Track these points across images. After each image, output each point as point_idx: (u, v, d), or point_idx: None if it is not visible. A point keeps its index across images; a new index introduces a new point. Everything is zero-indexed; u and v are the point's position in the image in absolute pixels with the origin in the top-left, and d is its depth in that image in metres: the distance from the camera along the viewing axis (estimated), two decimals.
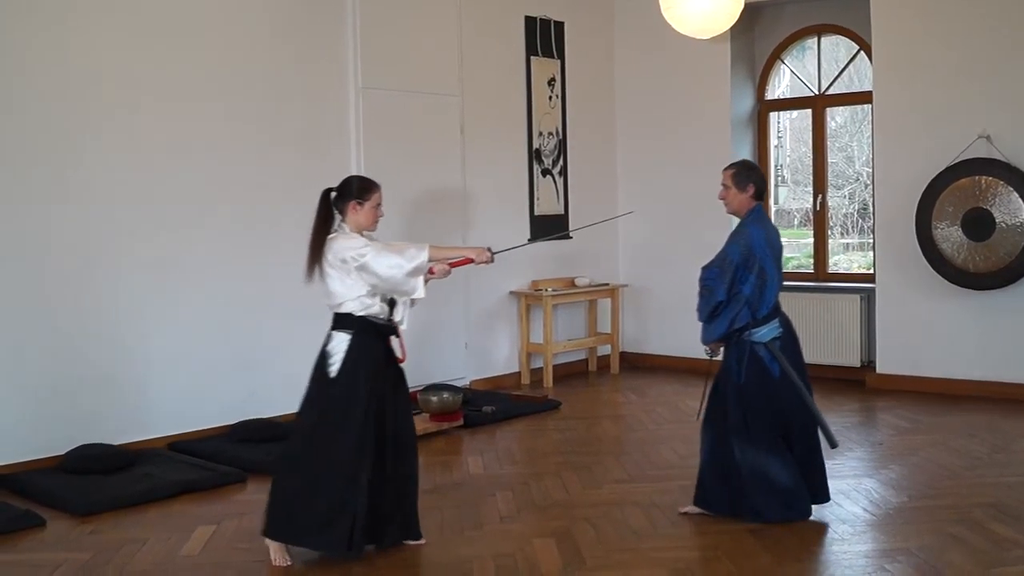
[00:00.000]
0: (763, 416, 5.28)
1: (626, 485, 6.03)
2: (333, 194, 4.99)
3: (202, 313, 7.26)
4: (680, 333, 10.04)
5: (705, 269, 5.43)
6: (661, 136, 10.14)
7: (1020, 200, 7.95)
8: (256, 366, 7.53)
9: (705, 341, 5.46)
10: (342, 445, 4.77)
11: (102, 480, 6.07)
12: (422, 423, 7.38)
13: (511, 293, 9.33)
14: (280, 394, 7.62)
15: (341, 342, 4.82)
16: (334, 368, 4.81)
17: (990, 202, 8.09)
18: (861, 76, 9.55)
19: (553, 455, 6.81)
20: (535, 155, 9.59)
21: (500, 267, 9.10)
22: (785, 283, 9.53)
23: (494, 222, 9.16)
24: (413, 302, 5.03)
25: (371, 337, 4.87)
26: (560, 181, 9.81)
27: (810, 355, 9.18)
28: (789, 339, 5.42)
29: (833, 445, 5.38)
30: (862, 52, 9.33)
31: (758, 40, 9.94)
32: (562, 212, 9.80)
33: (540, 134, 9.63)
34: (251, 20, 7.55)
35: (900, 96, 8.62)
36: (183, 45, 7.16)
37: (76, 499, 5.73)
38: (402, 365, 5.03)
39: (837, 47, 9.76)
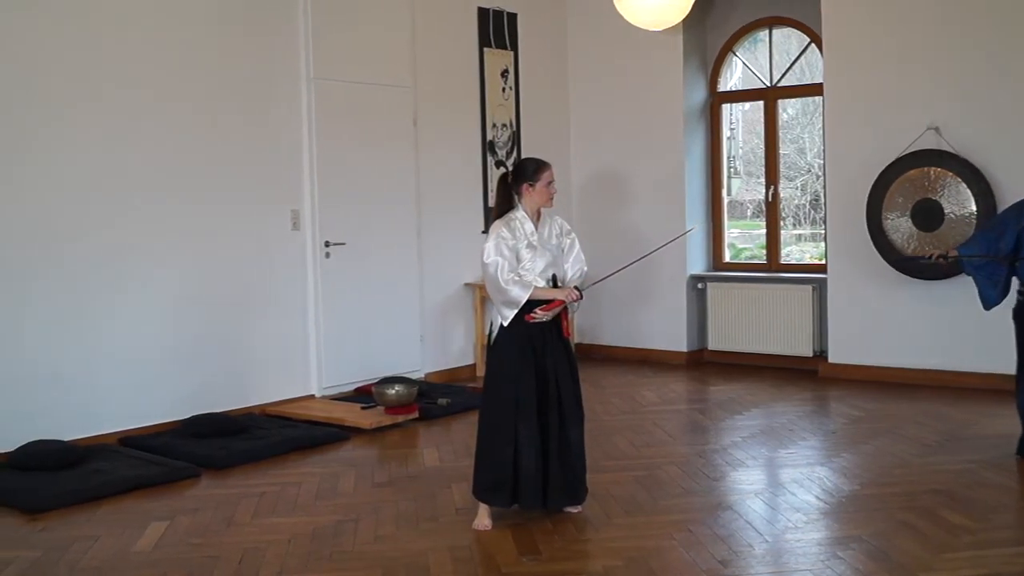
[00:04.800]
0: None
1: None
2: (509, 177, 5.34)
3: (152, 306, 7.18)
4: (634, 324, 10.09)
5: None
6: (615, 128, 10.17)
7: (968, 191, 8.04)
8: (208, 360, 7.46)
9: None
10: (500, 408, 5.15)
11: (52, 476, 5.99)
12: (377, 416, 7.36)
13: (466, 285, 9.31)
14: (232, 388, 7.59)
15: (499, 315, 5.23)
16: (492, 337, 5.28)
17: (939, 193, 8.18)
18: (812, 68, 9.61)
19: None
20: (489, 147, 9.58)
21: (454, 258, 9.12)
22: (738, 274, 9.73)
23: (448, 215, 9.15)
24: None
25: (526, 310, 5.13)
26: None
27: (763, 345, 9.39)
28: None
29: None
30: (813, 44, 9.40)
31: (710, 32, 9.99)
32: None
33: (494, 126, 9.62)
34: (203, 9, 7.47)
35: (850, 88, 8.69)
36: (135, 34, 7.08)
37: (26, 496, 5.65)
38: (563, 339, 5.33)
39: (788, 39, 9.82)
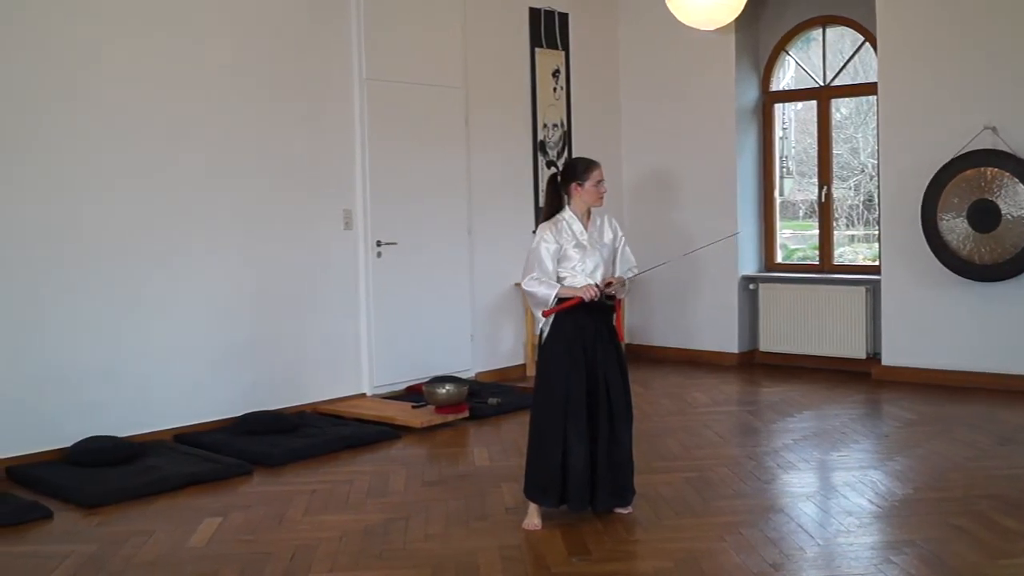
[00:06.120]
0: None
1: None
2: (559, 177, 5.34)
3: (206, 304, 7.26)
4: (685, 325, 10.06)
5: None
6: (666, 127, 10.14)
7: None
8: (261, 358, 7.53)
9: None
10: (549, 408, 5.15)
11: (108, 472, 6.09)
12: (428, 415, 7.39)
13: (516, 285, 9.32)
14: (284, 386, 7.66)
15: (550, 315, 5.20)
16: (543, 337, 5.22)
17: (996, 193, 8.07)
18: (866, 67, 9.52)
19: None
20: (540, 147, 9.59)
21: (504, 258, 9.12)
22: (790, 275, 9.66)
23: (498, 214, 9.17)
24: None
25: (574, 310, 5.12)
26: None
27: (815, 347, 9.32)
28: None
29: None
30: (867, 43, 9.31)
31: (763, 31, 9.93)
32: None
33: (545, 126, 9.62)
34: (256, 10, 7.54)
35: (905, 87, 8.60)
36: (188, 34, 7.16)
37: (83, 491, 5.74)
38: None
39: (842, 38, 9.74)
